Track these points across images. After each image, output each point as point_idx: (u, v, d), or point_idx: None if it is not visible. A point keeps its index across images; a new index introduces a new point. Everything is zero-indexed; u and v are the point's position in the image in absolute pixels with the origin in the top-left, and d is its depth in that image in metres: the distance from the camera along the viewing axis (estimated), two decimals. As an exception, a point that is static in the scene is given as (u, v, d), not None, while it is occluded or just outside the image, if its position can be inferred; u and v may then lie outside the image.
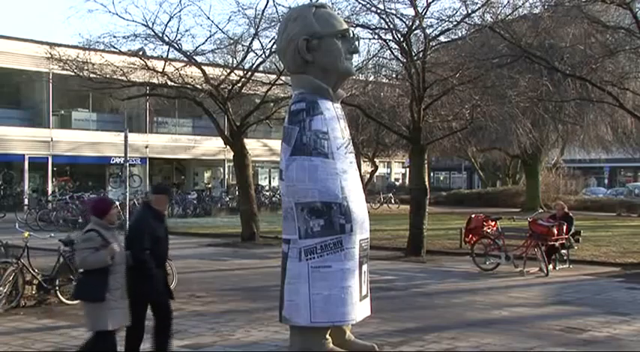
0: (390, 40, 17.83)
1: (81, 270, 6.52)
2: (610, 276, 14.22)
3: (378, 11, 16.91)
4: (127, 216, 13.67)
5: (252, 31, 19.69)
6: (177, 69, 20.19)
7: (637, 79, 22.29)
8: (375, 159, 38.49)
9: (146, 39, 20.02)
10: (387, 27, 17.17)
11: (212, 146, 36.90)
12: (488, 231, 15.03)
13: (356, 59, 20.10)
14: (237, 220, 21.60)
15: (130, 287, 6.60)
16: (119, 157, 31.70)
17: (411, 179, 19.77)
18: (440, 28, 17.51)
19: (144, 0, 26.95)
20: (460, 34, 19.43)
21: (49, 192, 31.74)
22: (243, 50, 21.40)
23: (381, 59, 22.53)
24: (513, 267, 14.30)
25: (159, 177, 40.12)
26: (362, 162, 37.05)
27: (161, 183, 7.99)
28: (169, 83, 20.45)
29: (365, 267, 7.15)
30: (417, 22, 16.65)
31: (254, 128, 28.53)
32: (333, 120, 7.13)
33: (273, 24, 18.89)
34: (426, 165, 18.69)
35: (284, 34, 7.23)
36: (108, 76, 20.30)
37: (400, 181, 58.49)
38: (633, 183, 50.11)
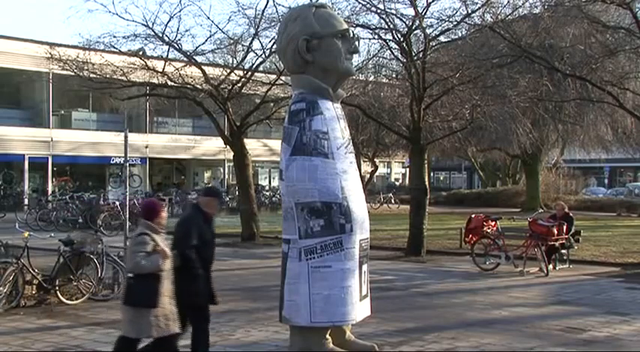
0: (390, 40, 17.84)
1: (130, 275, 6.25)
2: (610, 276, 14.22)
3: (378, 11, 16.92)
4: (127, 216, 13.63)
5: (252, 31, 19.71)
6: (177, 69, 20.19)
7: (637, 79, 22.31)
8: (375, 159, 38.49)
9: (146, 39, 20.04)
10: (387, 27, 17.18)
11: (212, 146, 36.91)
12: (488, 231, 15.03)
13: (356, 59, 20.12)
14: (237, 220, 21.59)
15: (176, 290, 6.41)
16: (119, 157, 31.73)
17: (411, 179, 19.77)
18: (440, 28, 17.53)
19: (144, 0, 26.98)
20: (460, 34, 19.44)
21: (49, 192, 31.74)
22: (243, 50, 21.42)
23: (381, 59, 22.55)
24: (513, 267, 14.30)
25: (159, 177, 40.17)
26: (362, 162, 37.05)
27: (212, 186, 7.97)
28: (169, 83, 20.45)
29: (365, 267, 7.15)
30: (417, 22, 16.65)
31: (254, 128, 28.53)
32: (333, 120, 7.13)
33: (273, 24, 18.89)
34: (426, 165, 18.69)
35: (284, 34, 7.23)
36: (108, 76, 20.31)
37: (400, 181, 58.49)
38: (633, 183, 50.10)
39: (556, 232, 14.45)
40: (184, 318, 6.62)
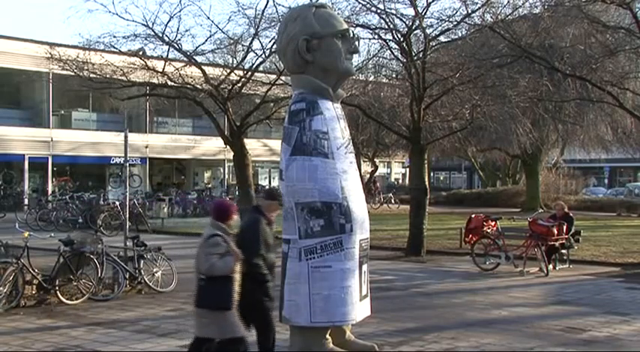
0: (390, 40, 17.84)
1: (202, 277, 6.14)
2: (610, 276, 14.22)
3: (378, 11, 16.92)
4: (127, 216, 13.64)
5: (252, 31, 19.71)
6: (177, 69, 20.18)
7: (637, 79, 22.32)
8: (375, 159, 38.48)
9: (146, 39, 20.03)
10: (387, 27, 17.18)
11: (212, 146, 36.90)
12: (488, 231, 15.03)
13: (356, 59, 20.11)
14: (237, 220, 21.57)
15: (242, 294, 6.31)
16: (119, 157, 31.72)
17: (411, 179, 19.76)
18: (440, 28, 17.53)
19: (144, 0, 26.98)
20: (460, 34, 19.44)
21: (49, 192, 31.72)
22: (243, 50, 21.42)
23: (381, 59, 22.55)
24: (513, 267, 14.30)
25: (159, 177, 40.14)
26: (362, 162, 37.05)
27: (273, 189, 7.86)
28: (169, 83, 20.44)
29: (365, 267, 7.15)
30: (417, 22, 16.65)
31: (254, 128, 28.52)
32: (333, 120, 7.13)
33: (273, 24, 18.89)
34: (426, 165, 18.69)
35: (284, 34, 7.23)
36: (108, 76, 20.31)
37: (400, 181, 58.49)
38: (633, 183, 50.10)
39: (556, 232, 14.44)
40: (247, 323, 6.55)
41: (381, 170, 50.04)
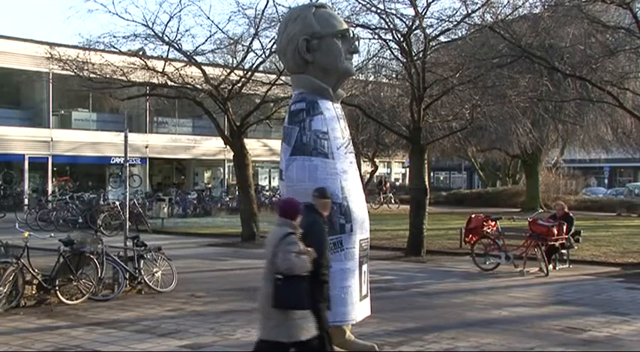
0: (390, 40, 17.84)
1: (279, 276, 5.96)
2: (610, 276, 14.22)
3: (378, 11, 16.92)
4: (127, 216, 13.64)
5: (252, 31, 19.69)
6: (177, 69, 20.18)
7: (637, 79, 22.32)
8: (375, 159, 38.48)
9: (146, 39, 20.02)
10: (387, 27, 17.18)
11: (212, 146, 36.90)
12: (488, 231, 15.02)
13: (356, 59, 20.12)
14: (237, 220, 21.59)
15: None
16: (119, 157, 31.73)
17: (411, 179, 19.76)
18: (440, 28, 17.52)
19: (144, 0, 26.98)
20: (460, 34, 19.44)
21: (49, 192, 31.72)
22: (243, 50, 21.41)
23: (381, 59, 22.55)
24: (513, 267, 14.30)
25: (159, 177, 40.13)
26: (362, 162, 37.05)
27: (325, 188, 7.82)
28: (169, 83, 20.43)
29: (365, 267, 7.16)
30: (417, 22, 16.65)
31: (254, 128, 28.52)
32: (333, 120, 7.13)
33: (273, 24, 18.89)
34: (426, 165, 18.69)
35: (284, 34, 7.24)
36: (108, 76, 20.29)
37: (400, 181, 58.49)
38: (633, 183, 50.10)
39: (556, 232, 14.44)
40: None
41: (381, 170, 50.03)
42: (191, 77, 20.63)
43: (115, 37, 19.74)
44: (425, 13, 16.98)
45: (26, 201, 29.52)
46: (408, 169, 37.84)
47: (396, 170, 60.42)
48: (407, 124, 19.60)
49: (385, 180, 42.32)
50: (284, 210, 6.25)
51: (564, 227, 14.70)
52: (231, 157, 22.47)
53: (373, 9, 17.00)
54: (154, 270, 11.79)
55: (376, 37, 18.22)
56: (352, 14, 17.45)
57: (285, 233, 6.04)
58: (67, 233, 14.11)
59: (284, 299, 5.93)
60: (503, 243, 14.68)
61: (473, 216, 15.64)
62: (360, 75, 23.31)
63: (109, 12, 19.34)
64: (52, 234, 11.62)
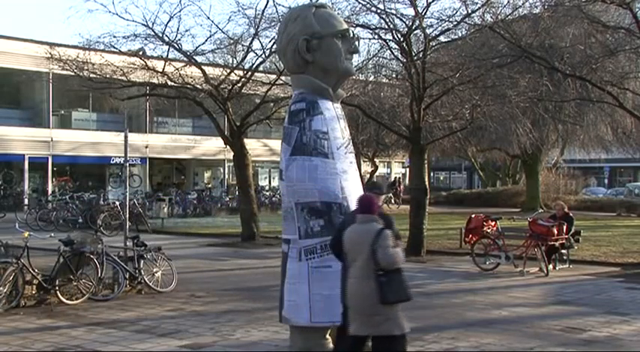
0: (390, 40, 17.85)
1: (381, 272, 5.93)
2: (610, 276, 14.22)
3: (378, 11, 16.92)
4: (127, 216, 13.64)
5: (252, 31, 19.69)
6: (177, 69, 20.18)
7: (637, 79, 22.32)
8: (375, 159, 38.48)
9: (146, 39, 20.02)
10: (387, 27, 17.18)
11: (212, 146, 36.91)
12: (488, 231, 15.02)
13: (356, 59, 20.13)
14: (237, 220, 21.60)
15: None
16: (119, 157, 31.73)
17: (411, 179, 19.77)
18: (440, 28, 17.52)
19: (144, 0, 26.98)
20: (460, 34, 19.44)
21: (49, 192, 31.73)
22: (243, 50, 21.41)
23: (381, 59, 22.56)
24: (513, 267, 14.30)
25: (159, 177, 40.14)
26: (362, 162, 37.05)
27: (379, 182, 7.66)
28: (169, 83, 20.44)
29: (365, 267, 7.15)
30: (417, 22, 16.65)
31: (254, 128, 28.52)
32: (333, 120, 7.13)
33: (273, 24, 18.89)
34: (426, 165, 18.69)
35: (284, 34, 7.23)
36: (108, 76, 20.30)
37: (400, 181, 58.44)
38: (633, 183, 50.10)
39: (556, 232, 14.44)
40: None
41: (381, 170, 50.01)
42: (191, 77, 20.63)
43: (115, 37, 19.78)
44: (425, 13, 16.99)
45: (26, 201, 29.53)
46: (408, 169, 37.85)
47: (396, 170, 60.42)
48: (407, 124, 19.61)
49: (399, 181, 42.19)
50: (366, 206, 6.23)
51: (564, 227, 14.70)
52: (231, 157, 22.48)
53: (373, 9, 17.00)
54: (154, 270, 11.80)
55: (376, 37, 18.22)
56: (352, 14, 17.46)
57: (379, 229, 6.05)
58: (67, 233, 14.11)
59: (391, 293, 5.96)
60: (503, 243, 14.68)
61: (473, 216, 15.64)
62: (360, 75, 23.31)
63: (109, 12, 19.38)
64: (52, 234, 11.62)
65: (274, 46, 17.51)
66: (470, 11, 16.87)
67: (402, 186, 41.91)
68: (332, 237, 6.62)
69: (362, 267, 5.99)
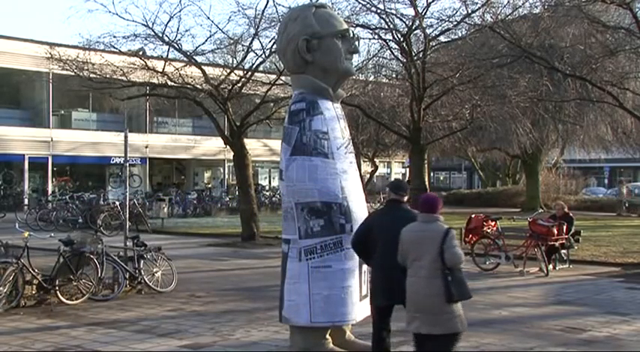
0: (390, 40, 17.87)
1: (447, 271, 6.10)
2: (610, 276, 14.21)
3: (378, 11, 16.95)
4: (127, 216, 13.63)
5: (252, 31, 19.69)
6: (177, 69, 20.17)
7: (637, 79, 22.33)
8: (375, 159, 38.49)
9: (146, 39, 20.01)
10: (387, 27, 17.20)
11: (212, 146, 36.91)
12: (488, 231, 15.01)
13: (356, 59, 20.13)
14: (237, 220, 21.59)
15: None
16: (119, 157, 31.73)
17: (411, 179, 19.77)
18: (440, 28, 17.57)
19: (144, 0, 26.98)
20: (460, 34, 19.47)
21: (49, 192, 31.73)
22: (243, 50, 21.40)
23: (381, 59, 22.59)
24: (513, 267, 14.29)
25: (159, 177, 40.15)
26: (362, 162, 37.06)
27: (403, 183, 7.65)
28: (169, 83, 20.43)
29: (365, 267, 7.15)
30: (417, 22, 16.68)
31: (254, 128, 28.51)
32: (333, 120, 7.13)
33: (273, 24, 18.90)
34: (426, 165, 18.71)
35: (284, 34, 7.23)
36: (108, 76, 20.29)
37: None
38: (633, 183, 50.07)
39: (556, 232, 14.43)
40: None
41: (381, 170, 50.03)
42: (191, 77, 20.63)
43: (115, 37, 19.77)
44: (425, 13, 17.03)
45: (26, 201, 29.53)
46: (408, 169, 37.84)
47: (396, 170, 60.44)
48: (407, 124, 19.63)
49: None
50: (431, 206, 6.26)
51: (564, 227, 14.69)
52: (231, 157, 22.47)
53: (373, 9, 17.03)
54: (154, 270, 11.79)
55: (376, 37, 18.25)
56: (352, 14, 17.49)
57: (446, 228, 6.13)
58: (67, 233, 14.10)
59: (457, 292, 6.15)
60: (503, 243, 14.68)
61: (473, 216, 15.63)
62: (360, 75, 23.33)
63: (109, 12, 19.38)
64: (52, 234, 11.61)
65: (274, 46, 17.50)
66: (470, 11, 16.91)
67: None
68: (356, 235, 6.68)
69: (427, 267, 6.07)
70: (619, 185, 44.82)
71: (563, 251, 15.08)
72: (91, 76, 20.01)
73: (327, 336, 6.97)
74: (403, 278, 6.19)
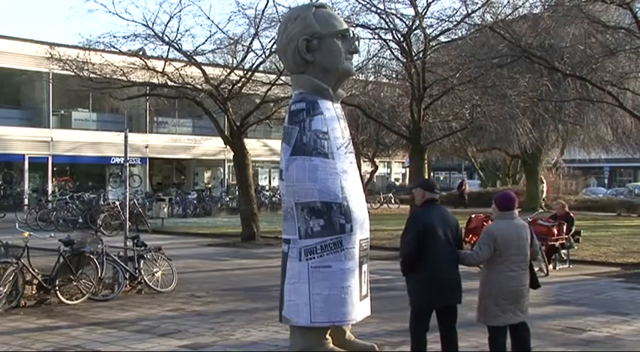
0: (390, 40, 17.87)
1: (530, 262, 6.95)
2: (610, 276, 14.21)
3: (378, 11, 16.94)
4: (127, 216, 13.63)
5: (252, 31, 19.68)
6: (177, 69, 20.17)
7: (637, 79, 22.30)
8: (375, 159, 38.50)
9: (146, 39, 20.01)
10: (387, 27, 17.20)
11: (212, 146, 36.91)
12: (488, 231, 14.98)
13: (356, 59, 20.11)
14: (237, 220, 21.60)
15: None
16: (119, 157, 31.73)
17: (411, 179, 19.76)
18: (440, 28, 17.56)
19: (144, 0, 26.98)
20: (460, 34, 19.46)
21: (49, 192, 31.74)
22: (243, 50, 21.39)
23: (381, 59, 22.56)
24: (513, 267, 14.27)
25: (159, 177, 40.16)
26: (362, 162, 37.06)
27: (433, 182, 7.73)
28: (169, 83, 20.44)
29: (365, 267, 7.16)
30: (417, 22, 16.68)
31: (254, 128, 28.52)
32: (333, 120, 7.13)
33: (273, 24, 18.90)
34: (426, 165, 18.70)
35: (284, 34, 7.22)
36: (108, 76, 20.30)
37: (400, 181, 58.45)
38: (634, 183, 50.11)
39: (556, 232, 14.43)
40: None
41: (381, 170, 50.05)
42: (191, 77, 20.63)
43: (115, 37, 19.76)
44: (425, 13, 17.02)
45: (26, 201, 29.55)
46: (408, 169, 37.86)
47: (396, 170, 60.44)
48: (407, 124, 19.64)
49: (464, 181, 41.99)
50: (512, 202, 6.94)
51: (564, 227, 14.69)
52: (231, 157, 22.48)
53: (373, 9, 17.03)
54: (154, 270, 11.79)
55: (376, 37, 18.25)
56: (352, 14, 17.48)
57: (526, 224, 6.92)
58: (67, 233, 14.11)
59: (534, 281, 6.98)
60: (504, 242, 14.65)
61: (473, 216, 15.62)
62: (360, 75, 23.31)
63: (109, 12, 19.36)
64: (52, 234, 11.62)
65: (274, 46, 17.50)
66: (470, 11, 16.90)
67: (467, 187, 41.42)
68: (413, 243, 7.16)
69: (520, 261, 6.80)
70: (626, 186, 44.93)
71: (563, 251, 15.08)
72: (91, 76, 20.01)
73: (327, 336, 6.97)
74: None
